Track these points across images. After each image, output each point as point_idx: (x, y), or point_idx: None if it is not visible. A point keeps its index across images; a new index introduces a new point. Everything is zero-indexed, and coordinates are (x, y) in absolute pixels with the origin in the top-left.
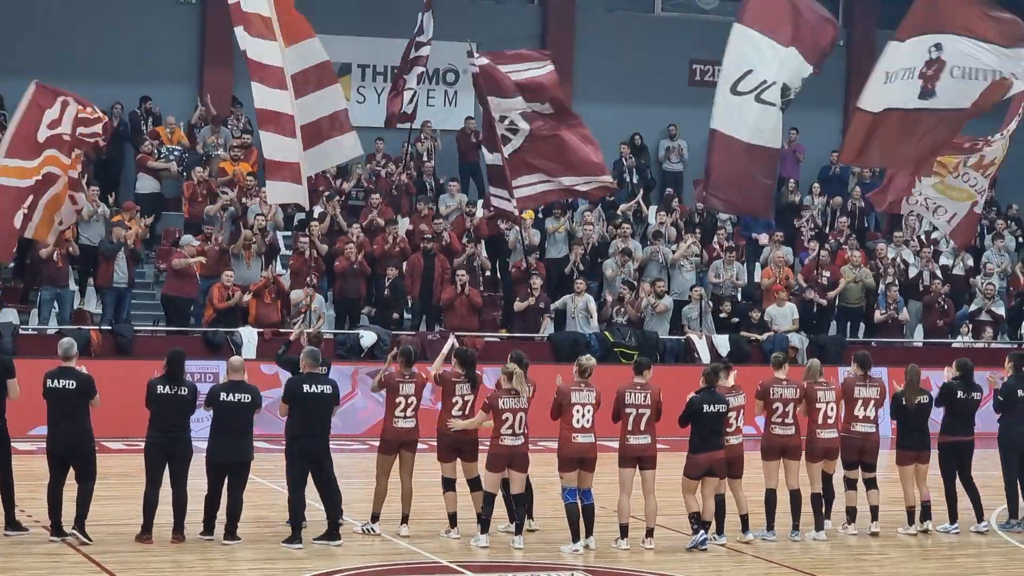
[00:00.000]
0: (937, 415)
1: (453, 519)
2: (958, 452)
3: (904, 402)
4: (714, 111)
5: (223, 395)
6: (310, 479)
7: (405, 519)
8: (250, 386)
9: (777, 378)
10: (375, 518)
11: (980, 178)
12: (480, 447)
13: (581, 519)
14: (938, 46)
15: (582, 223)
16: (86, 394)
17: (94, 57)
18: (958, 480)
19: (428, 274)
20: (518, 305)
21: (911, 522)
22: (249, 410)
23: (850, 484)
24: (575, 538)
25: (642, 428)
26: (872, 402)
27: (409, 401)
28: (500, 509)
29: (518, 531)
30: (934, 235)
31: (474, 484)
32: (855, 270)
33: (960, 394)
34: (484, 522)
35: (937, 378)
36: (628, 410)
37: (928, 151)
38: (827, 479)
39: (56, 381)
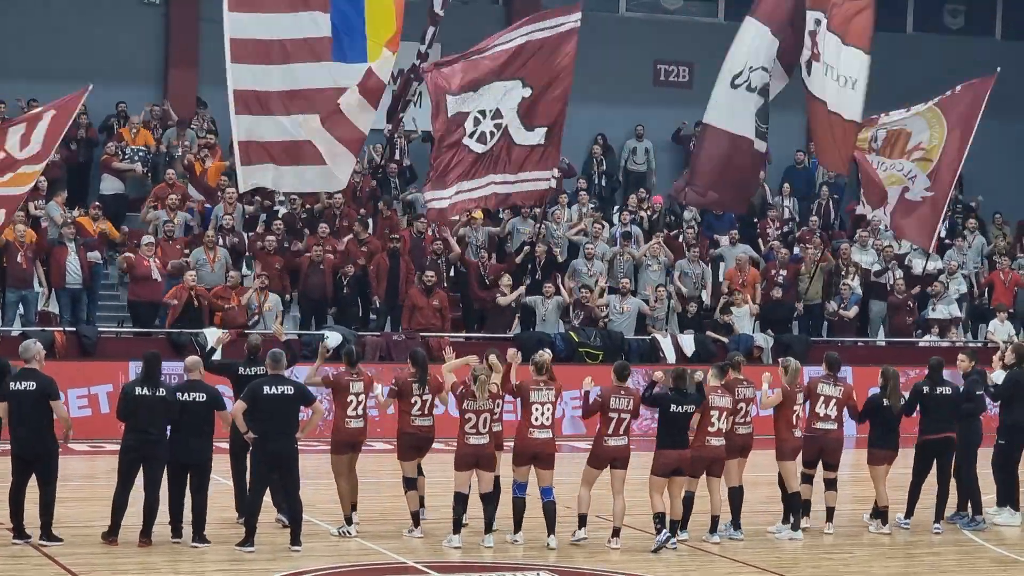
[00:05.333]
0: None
1: (416, 518)
2: (934, 450)
3: (887, 403)
4: (709, 105)
5: (179, 394)
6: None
7: (353, 508)
8: (207, 385)
9: (738, 378)
10: (348, 520)
11: (907, 164)
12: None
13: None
14: (818, 21)
15: (552, 220)
16: (47, 396)
17: (56, 59)
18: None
19: (394, 274)
20: (503, 300)
21: (885, 522)
22: (205, 409)
23: (807, 479)
24: (516, 529)
25: (622, 432)
26: (834, 401)
27: (359, 399)
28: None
29: (487, 530)
30: (877, 224)
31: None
32: (809, 268)
33: (926, 390)
34: (456, 522)
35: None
36: (611, 414)
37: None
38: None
39: (18, 383)
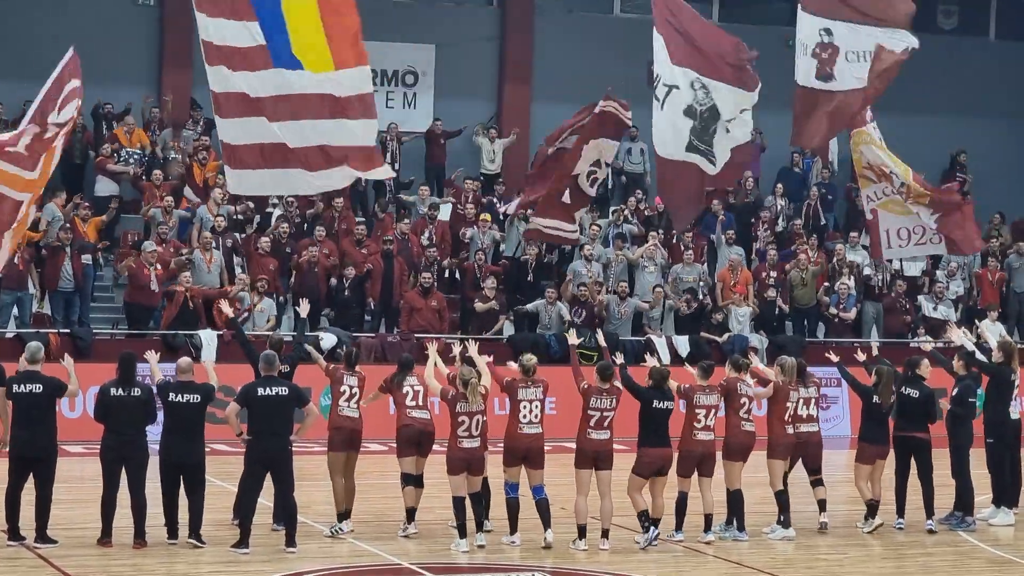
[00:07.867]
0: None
1: (411, 514)
2: (906, 447)
3: (879, 400)
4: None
5: (172, 395)
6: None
7: (348, 514)
8: (200, 385)
9: (739, 377)
10: (341, 518)
11: (922, 208)
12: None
13: (545, 512)
14: (828, 31)
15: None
16: (54, 397)
17: (51, 58)
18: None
19: (388, 276)
20: (479, 306)
21: (874, 515)
22: (198, 410)
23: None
24: (513, 530)
25: (605, 426)
26: (813, 401)
27: (352, 392)
28: (445, 507)
29: (479, 528)
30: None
31: (419, 480)
32: (801, 271)
33: (899, 388)
34: (460, 527)
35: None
36: (592, 412)
37: (829, 131)
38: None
39: (23, 385)
